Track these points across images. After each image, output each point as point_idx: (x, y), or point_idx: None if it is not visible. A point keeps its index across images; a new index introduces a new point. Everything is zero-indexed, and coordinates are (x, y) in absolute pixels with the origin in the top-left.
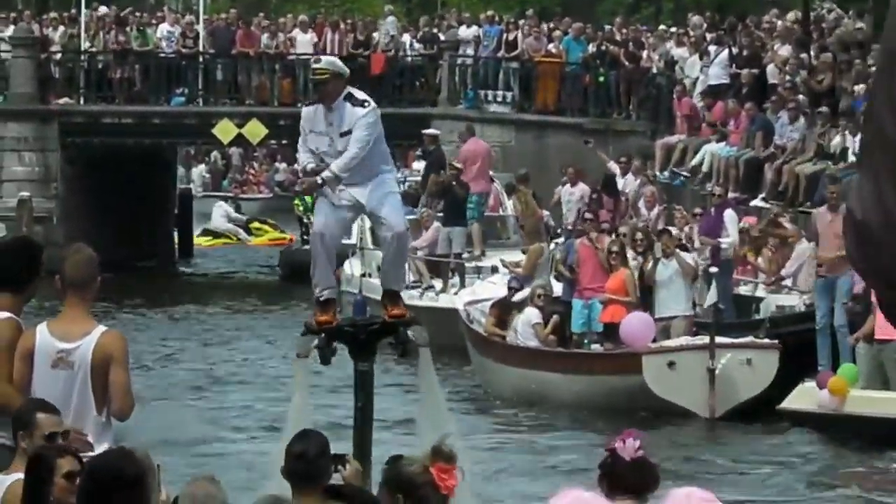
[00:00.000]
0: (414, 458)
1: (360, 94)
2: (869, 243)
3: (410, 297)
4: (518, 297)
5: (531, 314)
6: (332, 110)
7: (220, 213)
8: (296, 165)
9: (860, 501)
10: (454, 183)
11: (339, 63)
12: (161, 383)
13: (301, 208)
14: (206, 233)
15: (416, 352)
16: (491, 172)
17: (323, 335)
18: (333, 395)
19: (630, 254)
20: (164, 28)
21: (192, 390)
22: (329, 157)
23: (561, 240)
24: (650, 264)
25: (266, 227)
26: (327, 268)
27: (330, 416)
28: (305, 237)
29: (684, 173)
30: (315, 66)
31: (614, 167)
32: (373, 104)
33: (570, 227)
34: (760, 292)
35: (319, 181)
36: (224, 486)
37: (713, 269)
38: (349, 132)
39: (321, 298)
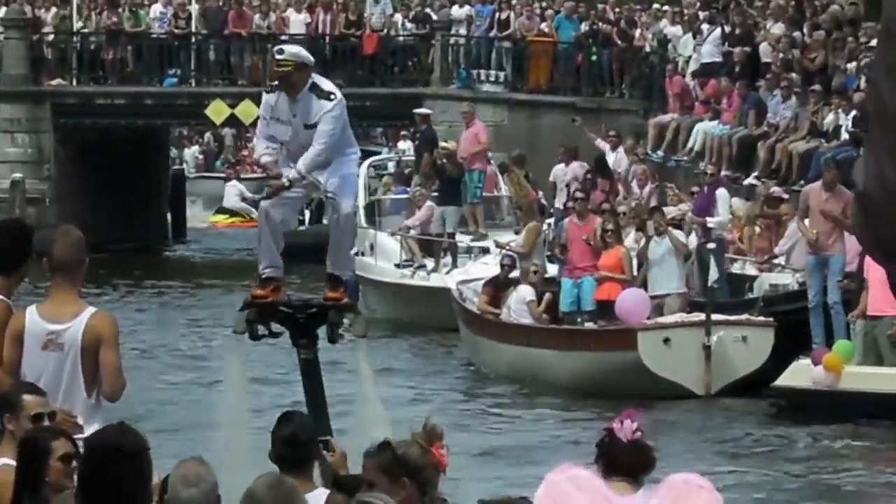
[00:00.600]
0: (406, 440)
1: (325, 85)
2: (871, 213)
3: (402, 275)
4: (511, 274)
5: (525, 291)
6: (296, 101)
7: (234, 193)
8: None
9: (857, 478)
10: (443, 161)
11: (304, 52)
12: (148, 364)
13: None
14: (221, 211)
15: (357, 339)
16: (488, 153)
17: (254, 310)
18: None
19: (632, 234)
20: (156, 9)
21: (180, 371)
22: (290, 147)
23: (552, 220)
24: (642, 242)
25: None
26: (272, 245)
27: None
28: (300, 218)
29: (684, 159)
30: (278, 56)
31: (603, 144)
32: (339, 96)
33: (561, 207)
34: (752, 271)
35: (286, 183)
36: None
37: (710, 246)
38: (316, 125)
39: (263, 276)
